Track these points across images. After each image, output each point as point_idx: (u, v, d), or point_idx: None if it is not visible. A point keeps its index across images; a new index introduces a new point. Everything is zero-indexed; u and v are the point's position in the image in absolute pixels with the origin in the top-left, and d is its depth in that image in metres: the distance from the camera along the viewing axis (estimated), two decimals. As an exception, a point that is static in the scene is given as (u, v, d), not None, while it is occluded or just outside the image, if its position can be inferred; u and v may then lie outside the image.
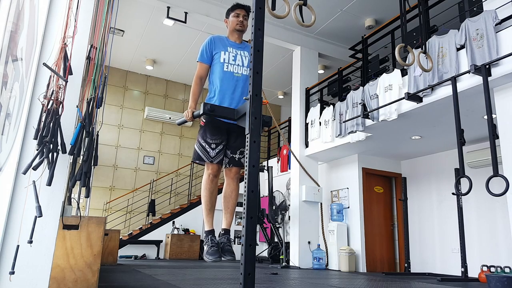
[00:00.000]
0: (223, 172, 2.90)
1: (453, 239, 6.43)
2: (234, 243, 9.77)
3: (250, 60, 1.64)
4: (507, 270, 5.08)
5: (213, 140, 2.75)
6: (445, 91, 4.75)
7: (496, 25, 4.26)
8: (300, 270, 6.61)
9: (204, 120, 2.83)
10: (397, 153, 7.52)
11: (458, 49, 4.70)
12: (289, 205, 8.09)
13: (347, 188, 7.45)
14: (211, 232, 2.75)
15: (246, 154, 1.55)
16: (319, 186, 7.70)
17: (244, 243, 1.42)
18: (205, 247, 2.70)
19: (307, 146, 7.76)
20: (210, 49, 2.85)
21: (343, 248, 6.83)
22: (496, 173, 3.45)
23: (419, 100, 5.08)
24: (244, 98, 2.77)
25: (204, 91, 2.79)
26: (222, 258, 2.63)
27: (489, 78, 4.17)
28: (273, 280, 4.50)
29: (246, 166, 1.52)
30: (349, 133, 6.33)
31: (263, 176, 9.14)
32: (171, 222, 9.27)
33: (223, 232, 2.79)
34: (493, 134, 3.71)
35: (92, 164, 2.47)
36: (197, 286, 3.58)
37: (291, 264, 7.28)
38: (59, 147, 2.25)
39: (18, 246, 2.04)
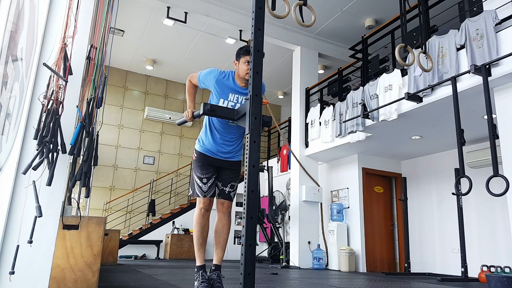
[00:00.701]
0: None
1: (453, 239, 6.42)
2: (234, 243, 9.78)
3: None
4: (507, 270, 5.08)
5: (204, 175, 2.81)
6: (445, 91, 4.75)
7: (496, 25, 4.26)
8: (300, 270, 6.61)
9: (196, 155, 2.88)
10: (397, 153, 7.53)
11: (458, 49, 4.70)
12: (289, 205, 8.09)
13: (347, 188, 7.45)
14: (202, 268, 2.78)
15: (246, 154, 1.55)
16: (319, 186, 7.70)
17: (244, 243, 1.42)
18: (196, 283, 2.72)
19: (307, 146, 7.76)
20: (217, 83, 2.78)
21: (343, 248, 6.83)
22: (496, 173, 3.44)
23: (419, 100, 5.08)
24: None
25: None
26: None
27: (489, 78, 4.17)
28: (273, 280, 4.50)
29: (246, 166, 1.52)
30: (349, 133, 6.33)
31: (263, 176, 9.14)
32: (171, 222, 9.27)
33: (214, 268, 2.82)
34: (493, 134, 3.71)
35: (92, 164, 2.47)
36: (197, 286, 3.57)
37: (291, 264, 7.28)
38: (59, 147, 2.25)
39: (18, 246, 2.04)
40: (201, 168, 2.81)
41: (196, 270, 2.79)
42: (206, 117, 2.86)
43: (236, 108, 2.75)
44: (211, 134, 2.83)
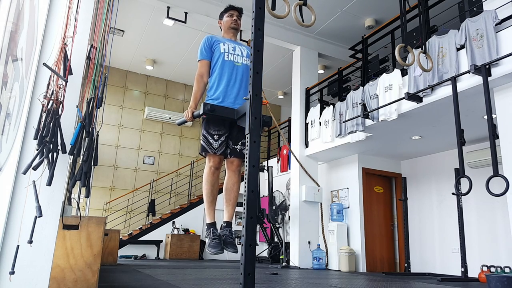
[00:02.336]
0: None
1: (453, 239, 6.42)
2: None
3: (250, 61, 1.64)
4: (507, 270, 5.09)
5: (216, 132, 2.76)
6: (445, 91, 4.75)
7: (496, 25, 4.26)
8: (300, 270, 6.61)
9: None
10: (397, 153, 7.53)
11: (458, 49, 4.70)
12: (289, 205, 8.09)
13: (347, 188, 7.45)
14: (212, 225, 2.75)
15: (246, 154, 1.55)
16: (319, 186, 7.70)
17: (244, 243, 1.42)
18: (207, 240, 2.71)
19: (307, 146, 7.76)
20: (209, 44, 2.90)
21: (343, 248, 6.83)
22: (496, 173, 3.45)
23: (419, 100, 5.08)
24: (244, 98, 2.78)
25: (205, 94, 2.80)
26: (224, 251, 2.65)
27: (489, 78, 4.17)
28: (273, 280, 4.50)
29: (246, 166, 1.52)
30: (349, 133, 6.33)
31: (263, 176, 9.14)
32: (171, 222, 9.27)
33: (225, 224, 2.79)
34: (493, 134, 3.71)
35: (92, 164, 2.46)
36: (197, 286, 3.58)
37: (291, 264, 7.28)
38: (59, 147, 2.25)
39: (18, 246, 2.04)
40: (214, 124, 2.76)
41: (207, 227, 2.77)
42: (212, 67, 2.90)
43: (236, 50, 2.88)
44: (220, 79, 2.84)
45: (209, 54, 2.89)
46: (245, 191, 1.48)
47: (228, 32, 3.02)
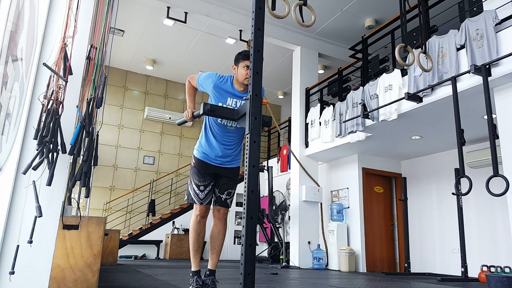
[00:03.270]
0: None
1: (453, 239, 6.42)
2: (234, 243, 9.78)
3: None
4: (507, 270, 5.08)
5: (201, 183, 2.81)
6: (445, 91, 4.75)
7: (496, 25, 4.26)
8: (300, 270, 6.61)
9: (194, 161, 2.88)
10: (397, 153, 7.52)
11: (458, 49, 4.70)
12: (289, 205, 8.09)
13: (347, 188, 7.45)
14: (197, 273, 2.81)
15: (246, 154, 1.55)
16: (319, 186, 7.70)
17: (244, 243, 1.42)
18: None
19: (307, 146, 7.76)
20: (215, 86, 2.77)
21: (343, 248, 6.83)
22: (496, 173, 3.44)
23: (419, 100, 5.08)
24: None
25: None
26: None
27: (489, 78, 4.17)
28: (273, 280, 4.50)
29: (246, 166, 1.52)
30: (349, 133, 6.33)
31: (263, 176, 9.14)
32: (171, 222, 9.27)
33: (208, 272, 2.85)
34: (493, 134, 3.71)
35: (92, 164, 2.46)
36: (197, 286, 3.57)
37: (291, 264, 7.28)
38: (59, 147, 2.25)
39: (18, 246, 2.04)
40: (199, 176, 2.81)
41: (191, 275, 2.82)
42: (205, 121, 2.85)
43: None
44: (209, 137, 2.81)
45: (202, 89, 2.84)
46: (245, 191, 1.48)
47: (241, 86, 2.79)
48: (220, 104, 2.75)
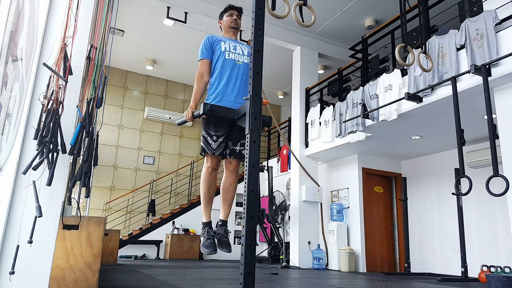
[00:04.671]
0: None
1: (453, 239, 6.43)
2: (234, 244, 9.77)
3: (250, 60, 1.64)
4: (507, 270, 5.08)
5: (214, 132, 2.76)
6: (445, 91, 4.75)
7: (496, 25, 4.26)
8: (300, 270, 6.61)
9: (209, 108, 2.85)
10: (397, 153, 7.52)
11: (458, 49, 4.70)
12: (289, 205, 8.09)
13: (347, 188, 7.45)
14: (208, 224, 2.78)
15: (246, 154, 1.55)
16: (319, 186, 7.70)
17: (244, 243, 1.42)
18: (202, 239, 2.74)
19: (307, 146, 7.76)
20: (210, 43, 2.89)
21: (343, 248, 6.83)
22: (496, 173, 3.44)
23: (419, 100, 5.08)
24: (244, 98, 2.77)
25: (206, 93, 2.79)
26: (218, 250, 2.69)
27: (489, 78, 4.17)
28: (273, 280, 4.50)
29: (246, 166, 1.52)
30: (349, 133, 6.33)
31: (263, 176, 9.14)
32: (171, 222, 9.27)
33: (220, 223, 2.82)
34: (493, 134, 3.71)
35: (92, 164, 2.46)
36: (197, 286, 3.58)
37: (291, 264, 7.28)
38: (59, 147, 2.25)
39: (18, 246, 2.04)
40: (213, 125, 2.76)
41: (202, 226, 2.79)
42: (213, 67, 2.88)
43: (237, 49, 2.87)
44: (221, 78, 2.82)
45: (210, 54, 2.88)
46: (245, 191, 1.48)
47: (228, 31, 3.02)
48: (222, 43, 2.85)
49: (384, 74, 5.79)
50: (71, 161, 2.54)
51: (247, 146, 1.54)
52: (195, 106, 2.90)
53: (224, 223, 2.81)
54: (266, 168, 8.60)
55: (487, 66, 4.16)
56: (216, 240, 2.71)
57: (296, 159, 7.66)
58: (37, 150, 2.17)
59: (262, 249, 9.10)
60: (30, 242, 2.02)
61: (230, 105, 2.72)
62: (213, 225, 2.81)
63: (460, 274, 5.53)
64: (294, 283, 4.45)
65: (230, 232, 2.85)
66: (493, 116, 3.89)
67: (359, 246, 6.95)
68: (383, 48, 6.70)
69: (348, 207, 7.35)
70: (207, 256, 9.29)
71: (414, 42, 5.43)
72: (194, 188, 10.23)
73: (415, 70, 5.19)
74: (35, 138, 2.22)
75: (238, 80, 2.83)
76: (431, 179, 7.24)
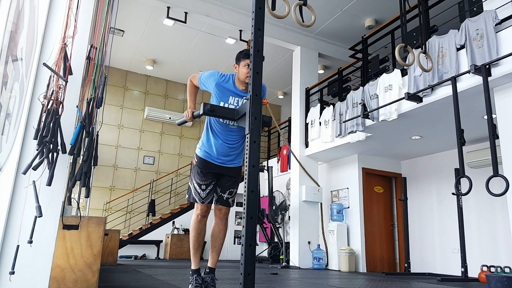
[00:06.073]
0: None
1: (453, 239, 6.42)
2: (234, 243, 9.78)
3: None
4: (507, 270, 5.08)
5: (203, 182, 2.80)
6: (445, 91, 4.75)
7: (496, 25, 4.26)
8: (300, 270, 6.61)
9: (196, 160, 2.88)
10: (397, 153, 7.52)
11: (458, 49, 4.70)
12: (289, 205, 8.09)
13: (347, 188, 7.45)
14: (196, 271, 2.82)
15: (246, 154, 1.55)
16: (319, 186, 7.70)
17: (244, 243, 1.42)
18: (190, 286, 2.77)
19: (307, 146, 7.76)
20: (218, 85, 2.78)
21: (343, 248, 6.83)
22: (496, 173, 3.44)
23: (419, 100, 5.08)
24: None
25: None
26: None
27: (489, 78, 4.17)
28: (273, 280, 4.50)
29: (246, 166, 1.52)
30: (349, 133, 6.33)
31: (263, 176, 9.14)
32: (171, 222, 9.27)
33: (208, 270, 2.87)
34: (493, 134, 3.71)
35: (92, 164, 2.46)
36: (197, 286, 3.57)
37: (291, 264, 7.28)
38: (59, 147, 2.25)
39: (18, 246, 2.04)
40: (200, 175, 2.81)
41: (191, 273, 2.84)
42: (206, 120, 2.86)
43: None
44: (211, 136, 2.81)
45: (204, 88, 2.86)
46: (245, 191, 1.48)
47: (242, 84, 2.80)
48: (222, 103, 2.75)
49: (384, 74, 5.79)
50: (71, 161, 2.54)
51: (247, 146, 1.54)
52: (193, 106, 2.90)
53: (211, 270, 2.86)
54: (266, 168, 8.60)
55: (487, 66, 4.16)
56: None
57: (296, 159, 7.66)
58: (37, 150, 2.17)
59: (262, 249, 9.10)
60: (30, 242, 2.02)
61: (219, 162, 2.79)
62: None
63: (460, 274, 5.53)
64: (294, 283, 4.45)
65: (217, 280, 2.90)
66: (493, 116, 3.89)
67: (359, 246, 6.95)
68: (383, 48, 6.70)
69: (348, 207, 7.35)
70: (207, 256, 9.28)
71: (414, 42, 5.42)
72: (194, 188, 10.20)
73: (415, 70, 5.19)
74: (35, 138, 2.22)
75: (227, 146, 2.81)
76: (431, 179, 7.24)
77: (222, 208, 2.88)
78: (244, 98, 2.76)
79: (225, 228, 2.91)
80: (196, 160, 2.88)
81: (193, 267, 2.84)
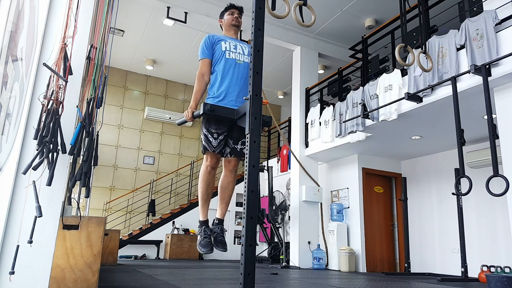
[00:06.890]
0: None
1: (453, 239, 6.42)
2: (234, 244, 9.77)
3: (250, 61, 1.64)
4: (507, 270, 5.09)
5: (216, 130, 2.74)
6: (445, 91, 4.75)
7: (496, 25, 4.26)
8: (300, 270, 6.61)
9: (208, 108, 2.85)
10: (397, 153, 7.53)
11: (458, 49, 4.70)
12: (289, 205, 8.09)
13: (347, 188, 7.45)
14: (205, 223, 2.79)
15: (246, 154, 1.55)
16: (319, 186, 7.70)
17: (244, 243, 1.42)
18: (198, 237, 2.75)
19: (307, 146, 7.76)
20: (210, 42, 2.87)
21: (343, 248, 6.83)
22: (496, 173, 3.44)
23: (419, 100, 5.08)
24: (244, 98, 2.77)
25: (205, 93, 2.79)
26: (215, 250, 2.70)
27: (489, 78, 4.17)
28: (273, 280, 4.50)
29: (246, 166, 1.52)
30: (349, 133, 6.33)
31: (263, 176, 9.14)
32: (171, 222, 9.27)
33: (217, 221, 2.83)
34: (493, 134, 3.71)
35: (92, 164, 2.46)
36: (197, 286, 3.58)
37: (291, 264, 7.28)
38: (59, 147, 2.25)
39: (18, 246, 2.04)
40: (214, 123, 2.74)
41: (199, 225, 2.80)
42: (213, 67, 2.87)
43: (237, 48, 2.86)
44: (221, 78, 2.81)
45: (210, 53, 2.87)
46: (245, 191, 1.48)
47: (229, 30, 3.00)
48: (223, 43, 2.83)
49: (384, 74, 5.79)
50: (71, 161, 2.54)
51: (247, 146, 1.54)
52: (195, 106, 2.89)
53: (220, 221, 2.83)
54: (266, 168, 8.60)
55: (487, 66, 4.16)
56: (212, 239, 2.72)
57: (296, 159, 7.66)
58: (37, 150, 2.17)
59: (262, 249, 9.11)
60: (30, 242, 2.02)
61: (231, 104, 2.72)
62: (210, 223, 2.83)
63: (460, 274, 5.53)
64: (294, 283, 4.45)
65: (226, 231, 2.87)
66: (493, 116, 3.89)
67: (359, 246, 6.95)
68: (383, 48, 6.70)
69: (348, 207, 7.35)
70: (207, 256, 9.28)
71: (414, 42, 5.42)
72: (194, 188, 10.23)
73: (415, 70, 5.19)
74: (35, 138, 2.22)
75: (239, 79, 2.82)
76: (431, 179, 7.24)
77: (232, 160, 2.83)
78: (240, 45, 2.90)
79: (234, 180, 2.89)
80: (209, 107, 2.85)
81: (201, 218, 2.81)
